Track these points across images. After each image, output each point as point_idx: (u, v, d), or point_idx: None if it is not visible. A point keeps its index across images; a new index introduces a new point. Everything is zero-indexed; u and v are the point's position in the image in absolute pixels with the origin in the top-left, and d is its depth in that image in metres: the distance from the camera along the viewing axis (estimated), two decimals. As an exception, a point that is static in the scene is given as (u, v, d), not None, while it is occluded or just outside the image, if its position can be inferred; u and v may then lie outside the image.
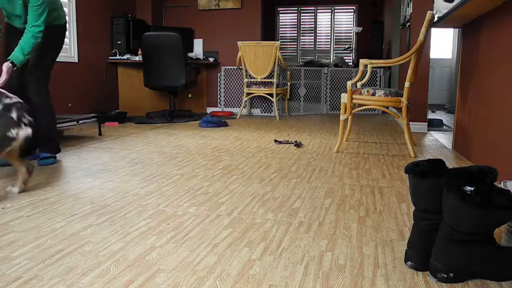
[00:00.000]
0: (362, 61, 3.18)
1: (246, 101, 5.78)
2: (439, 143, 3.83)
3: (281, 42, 8.77)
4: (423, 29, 3.08)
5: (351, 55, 8.60)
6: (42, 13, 2.58)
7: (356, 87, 3.42)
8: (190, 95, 6.22)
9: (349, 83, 3.22)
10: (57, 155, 2.92)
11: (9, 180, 2.38)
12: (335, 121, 5.35)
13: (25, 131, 2.09)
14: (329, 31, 8.86)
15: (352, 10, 8.71)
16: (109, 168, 2.68)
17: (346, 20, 8.79)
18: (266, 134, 4.21)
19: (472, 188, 1.20)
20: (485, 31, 2.78)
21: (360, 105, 3.31)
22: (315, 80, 6.31)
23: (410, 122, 3.71)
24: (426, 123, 4.59)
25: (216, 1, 6.31)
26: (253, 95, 5.69)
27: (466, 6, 2.51)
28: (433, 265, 1.27)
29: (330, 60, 8.23)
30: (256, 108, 6.30)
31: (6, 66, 2.50)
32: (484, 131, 2.71)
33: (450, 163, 2.94)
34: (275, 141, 3.70)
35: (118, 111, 5.59)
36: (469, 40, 3.20)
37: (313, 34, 8.93)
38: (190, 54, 6.08)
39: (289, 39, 9.05)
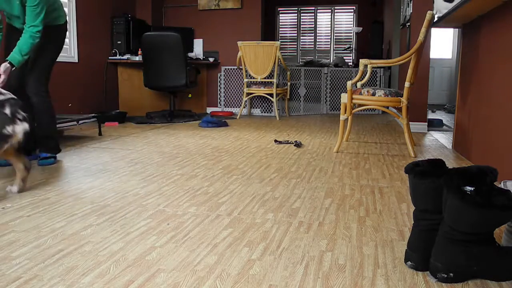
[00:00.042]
0: (362, 61, 3.18)
1: (246, 101, 5.78)
2: (439, 143, 3.83)
3: (281, 42, 8.77)
4: (423, 29, 3.08)
5: (351, 55, 8.60)
6: (39, 13, 2.58)
7: (356, 87, 3.42)
8: (190, 95, 6.22)
9: (349, 83, 3.22)
10: (57, 155, 2.92)
11: (9, 180, 2.38)
12: (335, 121, 5.36)
13: (21, 126, 2.08)
14: (329, 31, 8.86)
15: (352, 10, 8.71)
16: (109, 168, 2.68)
17: (346, 20, 8.79)
18: (266, 134, 4.21)
19: (472, 188, 1.20)
20: (485, 31, 2.78)
21: (360, 105, 3.31)
22: (315, 80, 6.31)
23: (410, 122, 3.71)
24: (426, 123, 4.59)
25: (216, 1, 6.31)
26: (253, 95, 5.69)
27: (466, 6, 2.51)
28: (433, 265, 1.27)
29: (330, 60, 8.23)
30: (256, 108, 6.30)
31: (4, 66, 2.50)
32: (484, 131, 2.71)
33: (450, 163, 2.94)
34: (275, 141, 3.70)
35: (118, 111, 5.59)
36: (469, 40, 3.20)
37: (313, 34, 8.93)
38: (190, 54, 6.08)
39: (289, 39, 9.05)
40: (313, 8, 8.87)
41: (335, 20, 8.81)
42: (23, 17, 2.64)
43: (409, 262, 1.34)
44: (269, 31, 8.61)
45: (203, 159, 2.97)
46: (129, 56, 5.58)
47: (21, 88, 2.75)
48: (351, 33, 8.70)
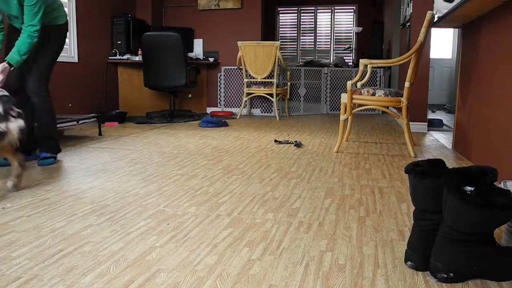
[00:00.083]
0: (362, 61, 3.18)
1: (246, 101, 5.78)
2: (439, 143, 3.83)
3: (281, 42, 8.77)
4: (423, 29, 3.08)
5: (351, 55, 8.60)
6: (37, 12, 2.57)
7: (356, 87, 3.42)
8: (190, 95, 6.22)
9: (349, 83, 3.22)
10: (57, 155, 2.92)
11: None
12: (335, 121, 5.36)
13: (16, 123, 2.06)
14: (329, 31, 8.86)
15: (352, 10, 8.71)
16: (109, 168, 2.68)
17: (346, 20, 8.79)
18: (266, 134, 4.21)
19: (472, 188, 1.20)
20: (485, 31, 2.78)
21: (360, 105, 3.31)
22: (315, 80, 6.31)
23: (410, 122, 3.71)
24: (426, 123, 4.59)
25: (216, 1, 6.31)
26: (253, 95, 5.69)
27: (466, 6, 2.51)
28: (433, 265, 1.27)
29: (330, 60, 8.23)
30: (256, 108, 6.30)
31: (2, 66, 2.50)
32: (484, 131, 2.71)
33: (450, 163, 2.94)
34: (275, 141, 3.70)
35: (118, 111, 5.59)
36: (469, 40, 3.20)
37: (313, 34, 8.93)
38: (190, 54, 6.08)
39: (289, 39, 9.05)
40: (313, 8, 8.87)
41: (335, 20, 8.81)
42: (22, 17, 2.64)
43: (409, 262, 1.34)
44: (269, 31, 8.61)
45: (203, 159, 2.97)
46: (129, 56, 5.58)
47: (21, 88, 2.75)
48: (351, 33, 8.70)
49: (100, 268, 1.32)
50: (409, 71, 3.13)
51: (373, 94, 3.21)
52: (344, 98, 3.31)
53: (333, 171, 2.66)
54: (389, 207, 1.96)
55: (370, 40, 7.75)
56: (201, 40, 6.37)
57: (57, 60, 2.93)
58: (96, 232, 1.61)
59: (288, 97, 5.99)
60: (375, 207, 1.95)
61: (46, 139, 2.85)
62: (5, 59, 2.54)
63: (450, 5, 2.76)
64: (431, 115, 6.11)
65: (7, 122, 2.04)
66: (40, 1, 2.57)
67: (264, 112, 6.24)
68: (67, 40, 3.04)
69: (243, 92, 5.70)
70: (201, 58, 6.19)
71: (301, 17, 8.97)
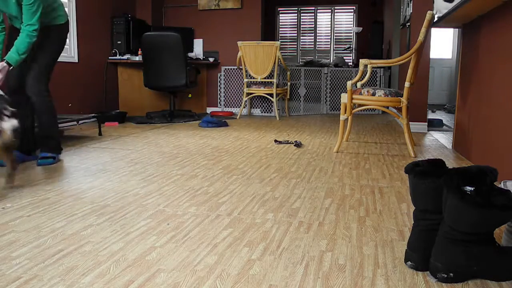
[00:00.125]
0: (362, 61, 3.18)
1: (246, 101, 5.78)
2: (439, 143, 3.83)
3: (281, 42, 8.77)
4: (423, 29, 3.08)
5: (351, 55, 8.60)
6: (35, 11, 2.56)
7: (356, 87, 3.42)
8: (190, 95, 6.22)
9: (349, 83, 3.22)
10: (58, 155, 2.91)
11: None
12: (335, 121, 5.36)
13: (9, 123, 2.05)
14: (329, 31, 8.86)
15: (352, 10, 8.71)
16: (109, 168, 2.68)
17: (346, 20, 8.79)
18: (266, 134, 4.21)
19: (472, 188, 1.20)
20: (485, 31, 2.78)
21: (360, 105, 3.31)
22: (315, 80, 6.31)
23: (410, 122, 3.71)
24: (426, 123, 4.59)
25: (216, 1, 6.31)
26: (253, 95, 5.69)
27: (466, 6, 2.51)
28: (433, 265, 1.27)
29: (330, 60, 8.23)
30: (256, 108, 6.30)
31: (0, 65, 2.50)
32: (484, 131, 2.72)
33: (450, 163, 2.94)
34: (275, 141, 3.70)
35: (118, 111, 5.59)
36: (469, 40, 3.20)
37: (313, 34, 8.93)
38: (190, 54, 6.08)
39: (289, 39, 9.05)
40: (313, 8, 8.87)
41: (335, 20, 8.82)
42: (21, 17, 2.64)
43: (409, 262, 1.34)
44: (269, 31, 8.61)
45: (203, 159, 2.97)
46: (129, 56, 5.58)
47: (21, 88, 2.74)
48: (351, 33, 8.70)
49: (100, 268, 1.32)
50: (409, 71, 3.13)
51: (373, 94, 3.21)
52: (344, 98, 3.31)
53: (333, 171, 2.66)
54: (389, 207, 1.96)
55: (370, 40, 7.75)
56: (201, 40, 6.37)
57: (58, 60, 2.93)
58: (96, 232, 1.61)
59: (288, 97, 5.99)
60: (375, 207, 1.95)
61: (46, 138, 2.85)
62: (4, 58, 2.54)
63: (450, 5, 2.76)
64: (431, 115, 6.12)
65: (0, 121, 2.03)
66: (38, 0, 2.57)
67: (264, 112, 6.24)
68: (67, 40, 3.04)
69: (243, 92, 5.70)
70: (201, 58, 6.19)
71: (301, 17, 8.97)
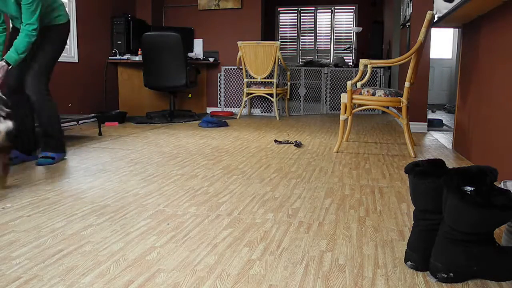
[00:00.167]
0: (362, 61, 3.18)
1: (246, 101, 5.78)
2: (439, 143, 3.83)
3: (281, 42, 8.77)
4: (423, 29, 3.08)
5: (351, 55, 8.60)
6: (34, 10, 2.56)
7: (356, 87, 3.42)
8: (190, 95, 6.22)
9: (349, 83, 3.22)
10: (60, 154, 2.89)
11: (8, 180, 2.37)
12: (335, 121, 5.36)
13: (4, 125, 2.03)
14: (329, 31, 8.86)
15: (352, 10, 8.71)
16: (109, 168, 2.68)
17: (346, 20, 8.79)
18: (266, 134, 4.21)
19: (472, 188, 1.20)
20: (485, 31, 2.78)
21: (360, 105, 3.31)
22: (315, 80, 6.31)
23: (410, 122, 3.71)
24: (426, 123, 4.59)
25: (216, 1, 6.31)
26: (253, 95, 5.69)
27: (466, 6, 2.51)
28: (433, 265, 1.27)
29: (330, 60, 8.23)
30: (256, 108, 6.30)
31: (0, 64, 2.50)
32: (484, 131, 2.72)
33: (450, 163, 2.94)
34: (275, 141, 3.70)
35: (118, 111, 5.59)
36: (469, 40, 3.20)
37: (313, 34, 8.93)
38: (190, 54, 6.08)
39: (289, 39, 9.05)
40: (313, 8, 8.87)
41: (335, 20, 8.82)
42: (21, 16, 2.64)
43: (409, 262, 1.34)
44: (269, 31, 8.61)
45: (203, 159, 2.97)
46: (129, 56, 5.58)
47: (20, 88, 2.74)
48: (351, 33, 8.70)
49: (100, 268, 1.32)
50: (409, 71, 3.13)
51: (373, 94, 3.21)
52: (344, 98, 3.31)
53: (333, 171, 2.66)
54: (389, 207, 1.96)
55: (370, 40, 7.75)
56: (201, 40, 6.37)
57: (58, 60, 2.92)
58: (96, 232, 1.61)
59: (288, 97, 5.99)
60: (375, 207, 1.95)
61: (46, 138, 2.85)
62: (3, 57, 2.54)
63: (450, 5, 2.76)
64: (431, 115, 6.12)
65: None
66: None
67: (264, 112, 6.24)
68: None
69: (243, 92, 5.70)
70: (201, 58, 6.19)
71: (301, 17, 8.97)
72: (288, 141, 3.70)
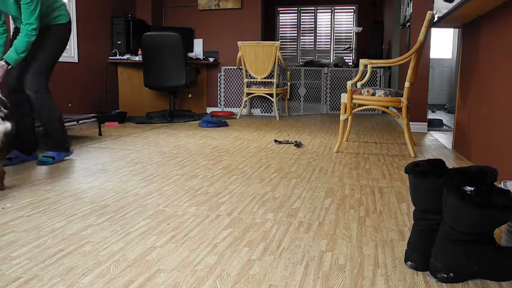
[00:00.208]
0: (362, 61, 3.18)
1: (246, 101, 5.78)
2: (439, 143, 3.83)
3: (281, 42, 8.77)
4: (423, 29, 3.08)
5: (351, 55, 8.60)
6: (34, 10, 2.55)
7: (356, 87, 3.42)
8: (190, 95, 6.22)
9: (349, 83, 3.22)
10: (62, 154, 2.88)
11: (8, 180, 2.37)
12: (335, 121, 5.36)
13: (2, 126, 2.02)
14: (329, 31, 8.86)
15: (352, 10, 8.71)
16: (109, 168, 2.68)
17: (346, 20, 8.79)
18: (266, 134, 4.21)
19: (472, 188, 1.20)
20: (485, 31, 2.78)
21: (360, 105, 3.31)
22: (315, 80, 6.31)
23: (410, 122, 3.71)
24: (426, 123, 4.59)
25: (216, 1, 6.31)
26: (253, 95, 5.69)
27: (466, 6, 2.51)
28: (433, 265, 1.27)
29: (330, 60, 8.23)
30: (256, 108, 6.30)
31: None
32: (484, 131, 2.71)
33: (450, 163, 2.94)
34: (275, 141, 3.70)
35: (118, 111, 5.59)
36: (469, 40, 3.20)
37: (313, 34, 8.93)
38: (190, 54, 6.08)
39: (289, 39, 9.05)
40: (313, 8, 8.87)
41: (335, 20, 8.81)
42: (21, 16, 2.63)
43: (409, 262, 1.34)
44: (269, 31, 8.61)
45: (203, 159, 2.97)
46: (129, 56, 5.58)
47: (20, 88, 2.74)
48: (351, 33, 8.70)
49: (100, 268, 1.32)
50: (409, 71, 3.13)
51: (373, 94, 3.21)
52: (344, 98, 3.31)
53: (333, 171, 2.66)
54: (389, 207, 1.96)
55: (370, 40, 7.75)
56: (201, 40, 6.37)
57: (59, 60, 2.92)
58: (96, 232, 1.61)
59: (288, 97, 5.99)
60: (375, 207, 1.95)
61: (46, 137, 2.85)
62: (3, 57, 2.53)
63: (450, 5, 2.76)
64: (431, 115, 6.11)
65: None
66: None
67: (264, 112, 6.24)
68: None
69: (243, 92, 5.70)
70: (201, 58, 6.19)
71: (301, 17, 8.97)
72: (288, 141, 3.70)
